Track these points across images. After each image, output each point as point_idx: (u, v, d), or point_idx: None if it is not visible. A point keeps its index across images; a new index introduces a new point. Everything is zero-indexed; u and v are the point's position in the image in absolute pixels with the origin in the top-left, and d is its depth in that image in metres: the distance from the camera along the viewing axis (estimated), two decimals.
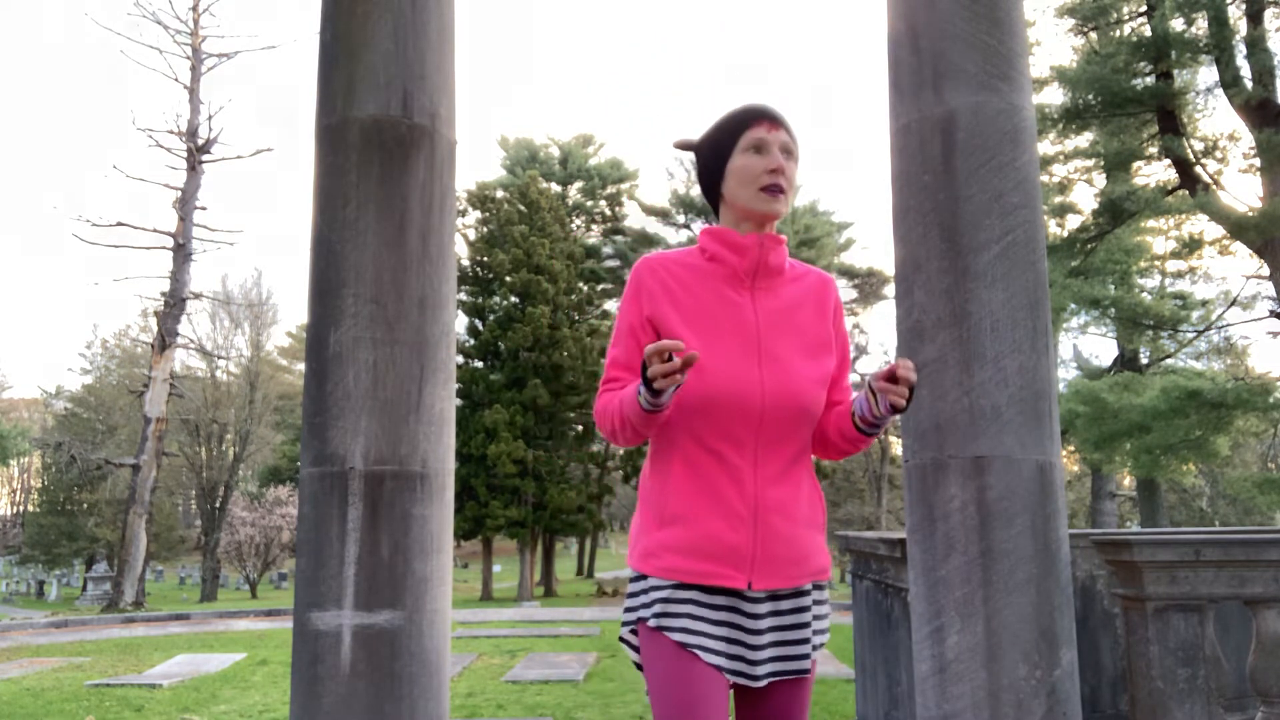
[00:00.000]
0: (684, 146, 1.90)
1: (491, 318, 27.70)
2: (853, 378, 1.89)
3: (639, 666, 1.80)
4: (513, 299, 27.35)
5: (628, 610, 1.80)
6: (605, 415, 1.72)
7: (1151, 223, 16.30)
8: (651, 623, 1.71)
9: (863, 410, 1.68)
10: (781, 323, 1.76)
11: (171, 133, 23.56)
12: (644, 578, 1.76)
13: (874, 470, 34.51)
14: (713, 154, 1.83)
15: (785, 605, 1.74)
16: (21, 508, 47.08)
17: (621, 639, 1.85)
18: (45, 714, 7.65)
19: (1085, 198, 17.62)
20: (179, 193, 23.58)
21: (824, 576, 1.80)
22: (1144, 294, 18.18)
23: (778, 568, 1.70)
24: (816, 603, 1.79)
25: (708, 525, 1.69)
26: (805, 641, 1.74)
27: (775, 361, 1.72)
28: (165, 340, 22.79)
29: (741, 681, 1.69)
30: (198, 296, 24.45)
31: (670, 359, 1.47)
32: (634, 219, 36.56)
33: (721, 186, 1.82)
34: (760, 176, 1.75)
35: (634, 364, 1.75)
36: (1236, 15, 12.82)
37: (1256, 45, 12.53)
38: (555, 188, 35.29)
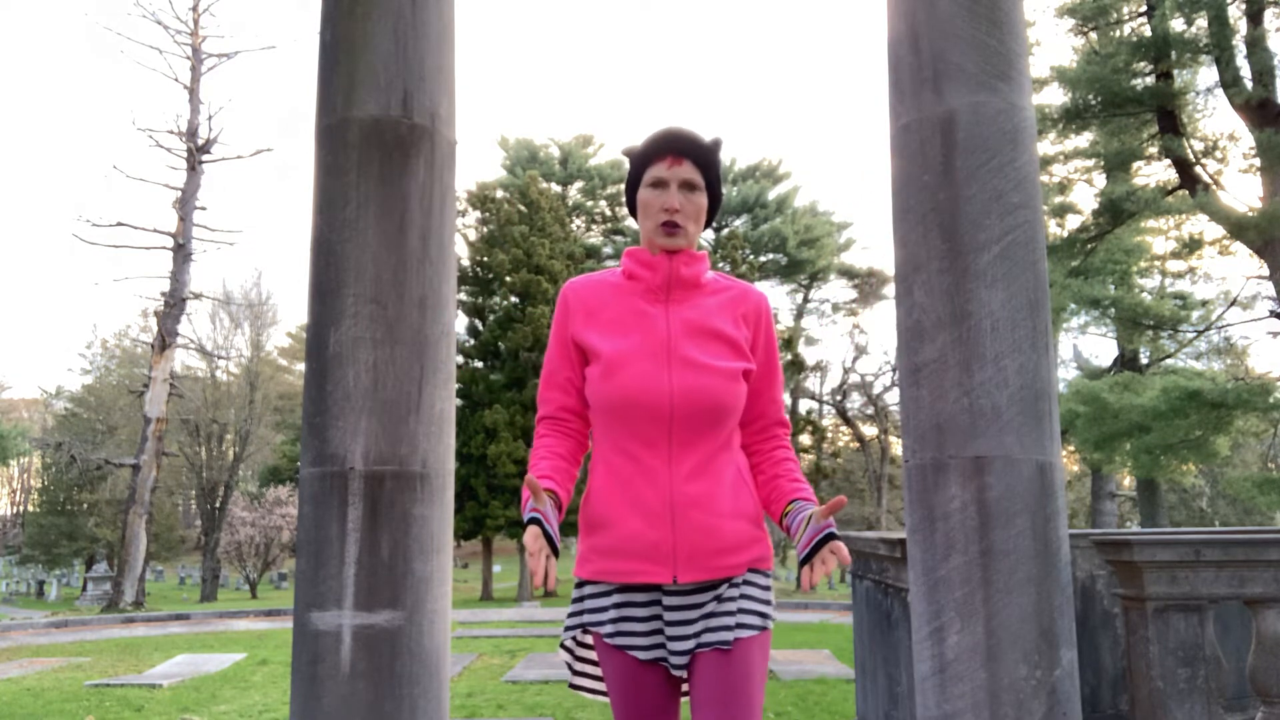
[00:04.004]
0: (627, 154, 2.01)
1: (491, 318, 27.70)
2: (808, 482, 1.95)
3: (572, 670, 1.96)
4: (513, 299, 27.35)
5: (570, 615, 1.92)
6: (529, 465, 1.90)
7: (1151, 223, 16.29)
8: (593, 629, 1.84)
9: (795, 524, 1.78)
10: (695, 330, 1.84)
11: (171, 133, 23.56)
12: (582, 584, 1.87)
13: (874, 470, 34.49)
14: (628, 181, 1.99)
15: (711, 594, 1.79)
16: (21, 508, 47.04)
17: (562, 644, 1.95)
18: (45, 714, 7.65)
19: (1085, 198, 17.63)
20: (179, 193, 23.57)
21: (763, 565, 1.85)
22: (1144, 294, 18.16)
23: (702, 560, 1.76)
24: (749, 583, 1.82)
25: (627, 525, 1.77)
26: (730, 614, 1.78)
27: (685, 364, 1.80)
28: (165, 340, 22.78)
29: (664, 665, 1.80)
30: (198, 296, 24.44)
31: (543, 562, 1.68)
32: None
33: (636, 211, 1.98)
34: (658, 214, 1.88)
35: (561, 382, 1.91)
36: (1236, 15, 12.82)
37: (1256, 45, 12.53)
38: (555, 188, 35.28)
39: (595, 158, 37.75)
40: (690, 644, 1.77)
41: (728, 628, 1.77)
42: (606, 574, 1.80)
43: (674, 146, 1.89)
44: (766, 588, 1.85)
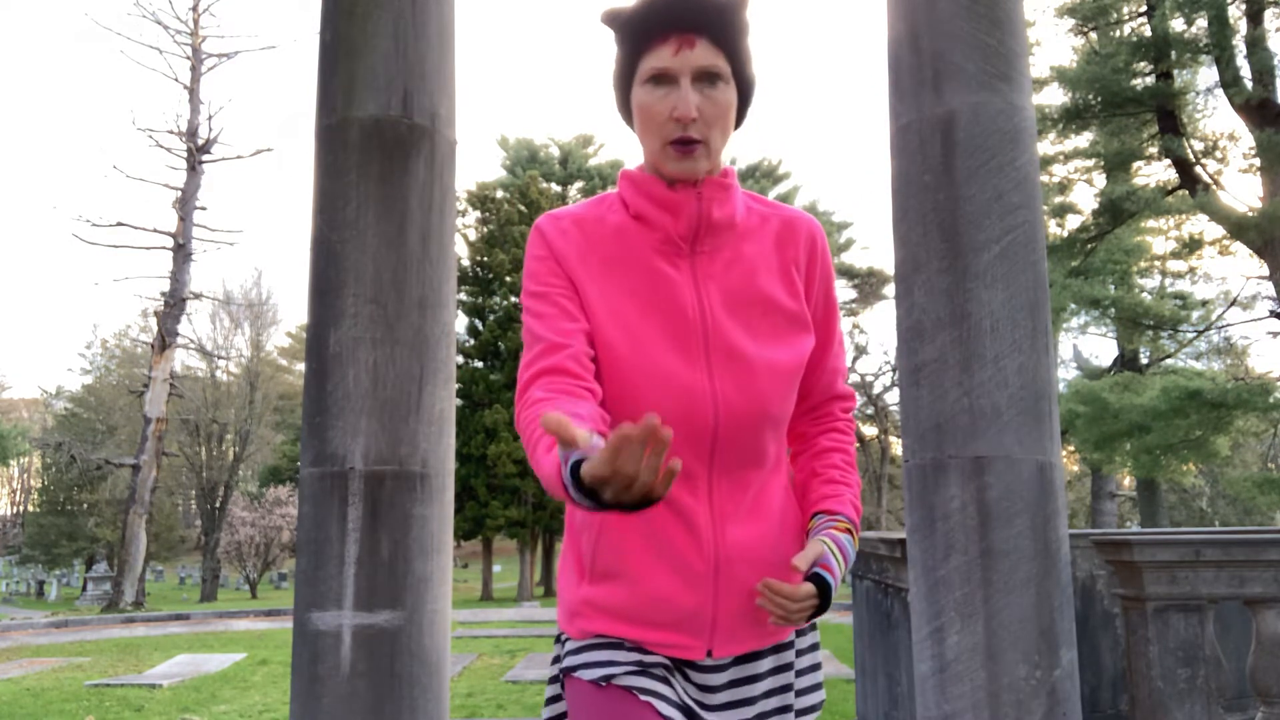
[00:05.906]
0: (608, 22, 1.32)
1: (491, 318, 27.72)
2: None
3: None
4: (513, 299, 27.36)
5: (550, 682, 1.39)
6: (526, 444, 1.18)
7: (1151, 223, 16.31)
8: (583, 674, 1.28)
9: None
10: (734, 299, 1.28)
11: (171, 133, 23.58)
12: (568, 640, 1.34)
13: (874, 470, 34.52)
14: (617, 76, 1.33)
15: (761, 667, 1.34)
16: (21, 508, 47.09)
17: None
18: (45, 714, 7.65)
19: (1085, 198, 17.64)
20: (179, 193, 23.58)
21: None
22: (1144, 294, 18.18)
23: (745, 630, 1.29)
24: (801, 651, 1.40)
25: (655, 585, 1.26)
26: (787, 709, 1.35)
27: (730, 360, 1.25)
28: (165, 340, 22.78)
29: None
30: (198, 296, 24.44)
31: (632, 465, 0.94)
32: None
33: (632, 119, 1.31)
34: (664, 125, 1.24)
35: (560, 327, 1.25)
36: (1236, 15, 12.82)
37: (1256, 45, 12.53)
38: (555, 188, 35.28)
39: (595, 158, 37.75)
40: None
41: None
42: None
43: (681, 19, 1.21)
44: (816, 646, 1.44)
